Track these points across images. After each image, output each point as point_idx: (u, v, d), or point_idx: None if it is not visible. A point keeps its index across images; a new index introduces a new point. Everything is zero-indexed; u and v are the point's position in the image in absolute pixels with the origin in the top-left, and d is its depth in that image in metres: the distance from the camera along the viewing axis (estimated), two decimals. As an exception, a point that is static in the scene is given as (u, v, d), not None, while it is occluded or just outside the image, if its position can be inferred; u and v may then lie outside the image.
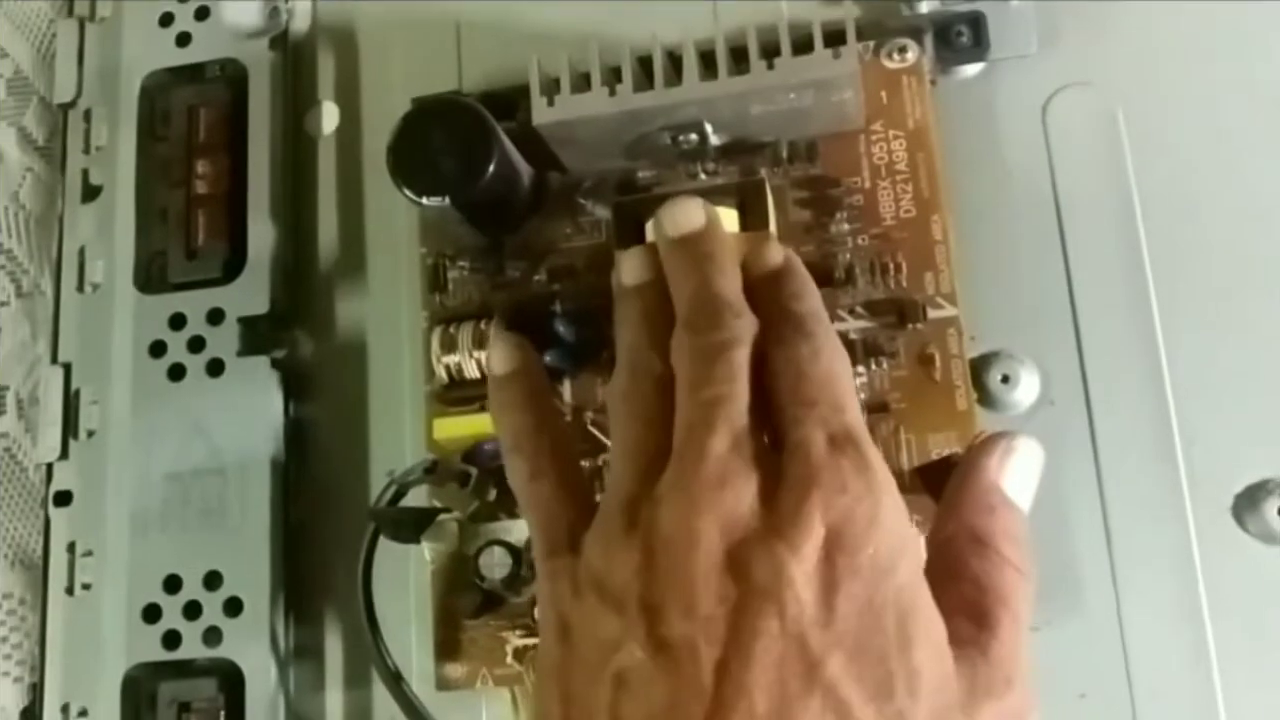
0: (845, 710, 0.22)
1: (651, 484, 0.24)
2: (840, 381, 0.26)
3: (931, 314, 0.32)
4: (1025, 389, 0.33)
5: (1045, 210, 0.33)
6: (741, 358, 0.25)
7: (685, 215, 0.28)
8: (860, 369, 0.32)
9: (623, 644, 0.23)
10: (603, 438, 0.33)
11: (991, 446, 0.28)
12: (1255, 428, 0.32)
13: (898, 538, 0.24)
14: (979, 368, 0.33)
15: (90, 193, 0.38)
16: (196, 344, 0.35)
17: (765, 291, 0.27)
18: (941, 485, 0.30)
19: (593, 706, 0.23)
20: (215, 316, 0.35)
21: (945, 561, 0.26)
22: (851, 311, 0.32)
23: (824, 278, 0.32)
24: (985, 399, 0.32)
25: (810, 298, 0.27)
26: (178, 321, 0.36)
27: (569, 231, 0.34)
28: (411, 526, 0.31)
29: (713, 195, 0.31)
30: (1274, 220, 0.33)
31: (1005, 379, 0.33)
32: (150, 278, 0.37)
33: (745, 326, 0.26)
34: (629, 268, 0.28)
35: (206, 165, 0.37)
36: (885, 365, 0.32)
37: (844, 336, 0.32)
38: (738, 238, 0.30)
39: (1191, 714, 0.30)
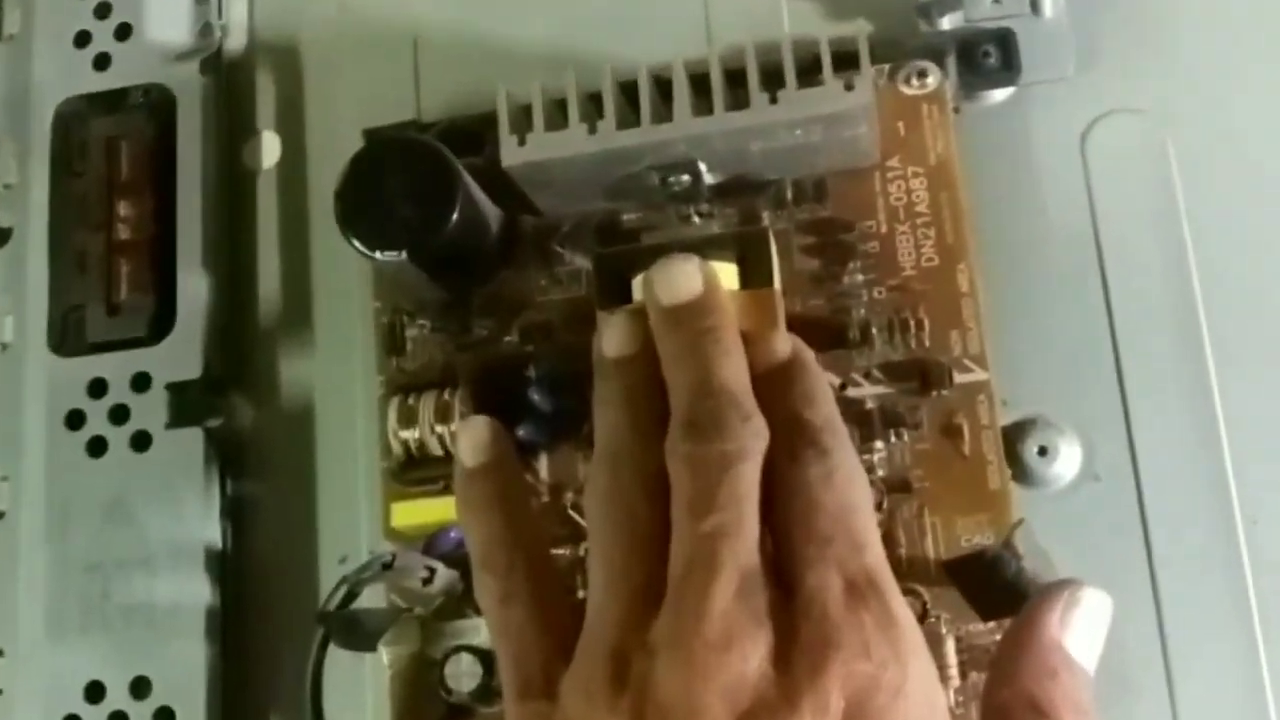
0: None
1: (643, 629, 0.21)
2: (859, 513, 0.22)
3: (958, 378, 0.28)
4: (1066, 462, 0.29)
5: (1086, 255, 0.30)
6: (751, 476, 0.22)
7: (680, 279, 0.24)
8: (879, 443, 0.28)
9: None
10: (583, 522, 0.29)
11: (1053, 599, 0.24)
12: (1321, 503, 0.28)
13: (927, 708, 0.21)
14: (1013, 438, 0.29)
15: (-2, 236, 0.34)
16: (119, 414, 0.32)
17: (770, 391, 0.23)
18: (973, 580, 0.27)
19: None
20: (140, 382, 0.32)
21: None
22: (867, 375, 0.29)
23: (836, 337, 0.29)
24: (1020, 474, 0.29)
25: (824, 402, 0.23)
26: (98, 388, 0.32)
27: (544, 283, 0.30)
28: (367, 632, 0.28)
29: (708, 249, 0.27)
30: (1347, 268, 0.29)
31: (1043, 451, 0.29)
32: (66, 336, 0.33)
33: (755, 435, 0.22)
34: (611, 337, 0.24)
35: (129, 206, 0.33)
36: (906, 438, 0.28)
37: (859, 405, 0.28)
38: (737, 299, 0.27)
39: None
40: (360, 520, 0.31)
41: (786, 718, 0.20)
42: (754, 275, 0.27)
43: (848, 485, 0.22)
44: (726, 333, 0.23)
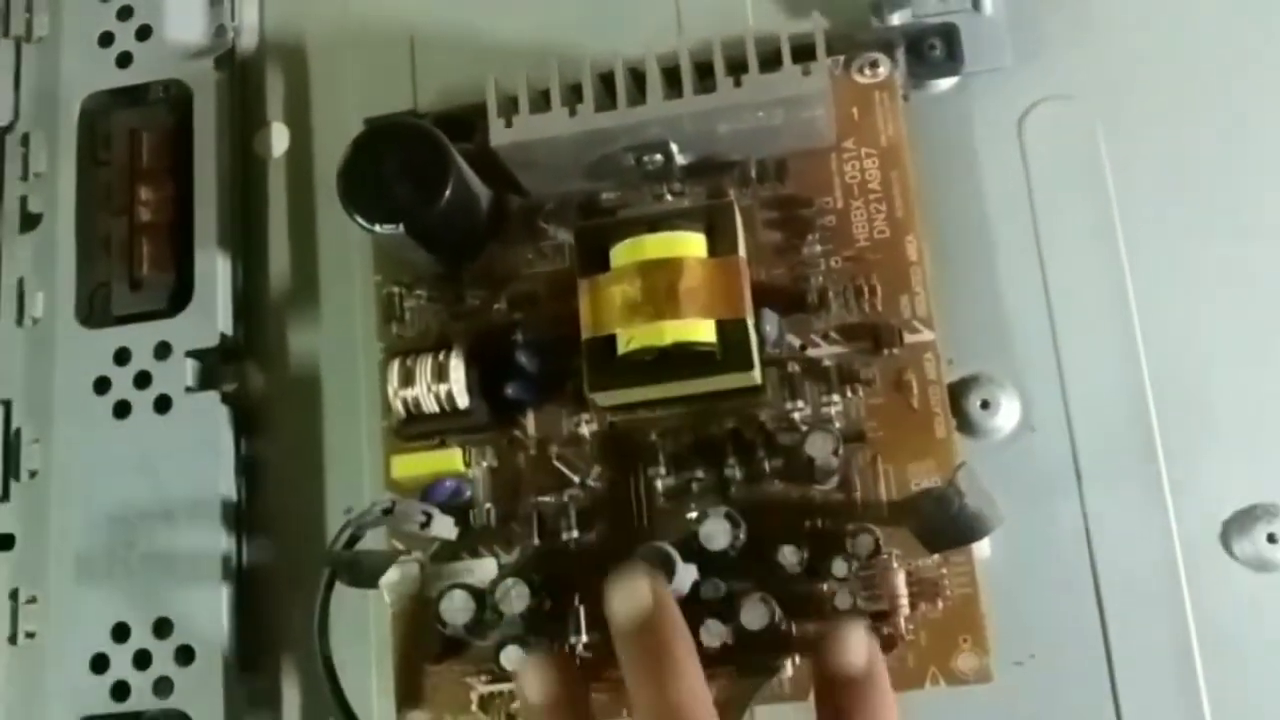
0: None
1: None
2: None
3: (908, 338, 0.31)
4: (1006, 414, 0.32)
5: (1023, 228, 0.32)
6: None
7: (631, 598, 0.26)
8: (836, 397, 0.31)
9: None
10: (568, 473, 0.31)
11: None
12: (1243, 452, 0.31)
13: None
14: (958, 393, 0.31)
15: (29, 221, 0.36)
16: (142, 379, 0.34)
17: (841, 702, 0.25)
18: (922, 517, 0.29)
19: None
20: (162, 350, 0.34)
21: None
22: (825, 337, 0.31)
23: (796, 302, 0.31)
24: (965, 425, 0.31)
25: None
26: (122, 356, 0.34)
27: (530, 257, 0.33)
28: (369, 571, 0.30)
29: (680, 219, 0.30)
30: (1260, 238, 0.32)
31: (985, 405, 0.32)
32: (93, 310, 0.35)
33: None
34: (531, 684, 0.26)
35: (150, 191, 0.35)
36: (861, 393, 0.31)
37: (818, 363, 0.31)
38: (706, 266, 0.29)
39: (1181, 747, 0.29)
40: (363, 474, 0.33)
41: None
42: (721, 244, 0.30)
43: None
44: (677, 647, 0.25)
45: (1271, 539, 0.30)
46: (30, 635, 0.34)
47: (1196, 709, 0.29)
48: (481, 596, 0.30)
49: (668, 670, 0.25)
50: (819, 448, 0.29)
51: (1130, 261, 0.32)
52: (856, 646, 0.25)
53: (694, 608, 0.29)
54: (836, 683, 0.25)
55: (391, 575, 0.31)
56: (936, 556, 0.29)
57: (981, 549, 0.30)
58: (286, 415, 0.35)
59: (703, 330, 0.29)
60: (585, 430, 0.32)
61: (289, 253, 0.36)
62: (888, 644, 0.29)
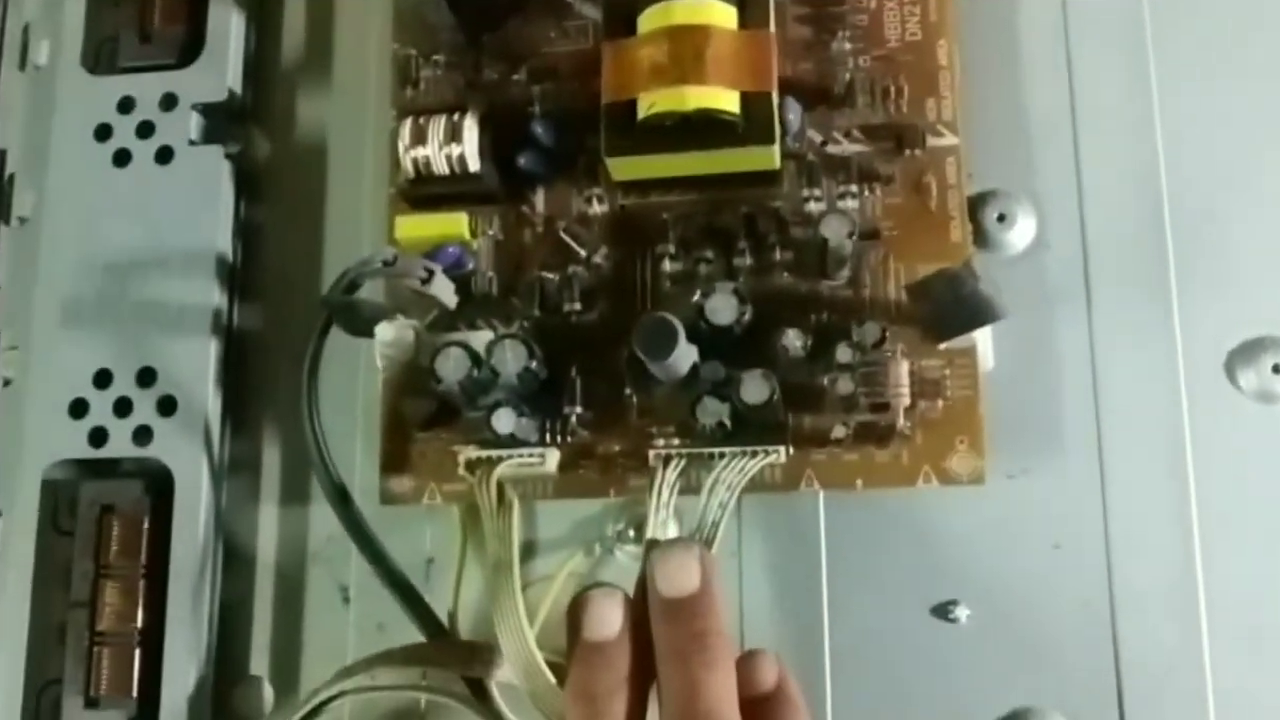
0: None
1: None
2: None
3: (931, 141, 0.30)
4: (1021, 230, 0.31)
5: (1055, 45, 0.32)
6: None
7: (679, 574, 0.25)
8: (853, 188, 0.30)
9: None
10: (575, 247, 0.31)
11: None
12: (1254, 284, 0.30)
13: None
14: (975, 205, 0.31)
15: (36, -33, 0.36)
16: (146, 129, 0.33)
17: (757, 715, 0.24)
18: (933, 298, 0.28)
19: None
20: (168, 102, 0.33)
21: None
22: (847, 134, 0.31)
23: (820, 96, 0.31)
24: (980, 237, 0.31)
25: None
26: (126, 105, 0.33)
27: (553, 35, 0.32)
28: (366, 317, 0.29)
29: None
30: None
31: (1001, 218, 0.31)
32: (99, 60, 0.34)
33: None
34: (593, 619, 0.25)
35: None
36: (879, 191, 0.30)
37: (838, 158, 0.31)
38: (736, 39, 0.29)
39: (1167, 570, 0.29)
40: (362, 245, 0.32)
41: None
42: (752, 16, 0.29)
43: None
44: (716, 639, 0.24)
45: (1277, 370, 0.30)
46: (7, 383, 0.33)
47: (1188, 537, 0.29)
48: (478, 358, 0.29)
49: (701, 660, 0.24)
50: (834, 230, 0.28)
51: (1160, 85, 0.31)
52: (768, 668, 0.25)
53: (691, 389, 0.29)
54: (754, 702, 0.25)
55: (386, 333, 0.30)
56: (940, 356, 0.29)
57: (985, 359, 0.30)
58: (289, 181, 0.34)
59: (726, 100, 0.28)
60: (595, 209, 0.31)
61: (305, 14, 0.35)
62: (884, 438, 0.29)
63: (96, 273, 0.32)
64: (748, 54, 0.29)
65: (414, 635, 0.30)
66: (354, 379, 0.32)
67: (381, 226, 0.32)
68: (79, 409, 0.32)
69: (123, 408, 0.32)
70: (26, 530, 0.31)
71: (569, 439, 0.30)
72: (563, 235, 0.31)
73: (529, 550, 0.31)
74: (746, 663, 0.25)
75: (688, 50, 0.29)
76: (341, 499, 0.30)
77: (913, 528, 0.30)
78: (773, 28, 0.29)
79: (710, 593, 0.25)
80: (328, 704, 0.29)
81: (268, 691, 0.31)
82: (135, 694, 0.30)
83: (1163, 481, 0.30)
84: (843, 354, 0.29)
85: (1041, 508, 0.30)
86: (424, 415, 0.30)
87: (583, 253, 0.31)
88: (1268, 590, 0.29)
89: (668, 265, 0.31)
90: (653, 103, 0.29)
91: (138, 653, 0.30)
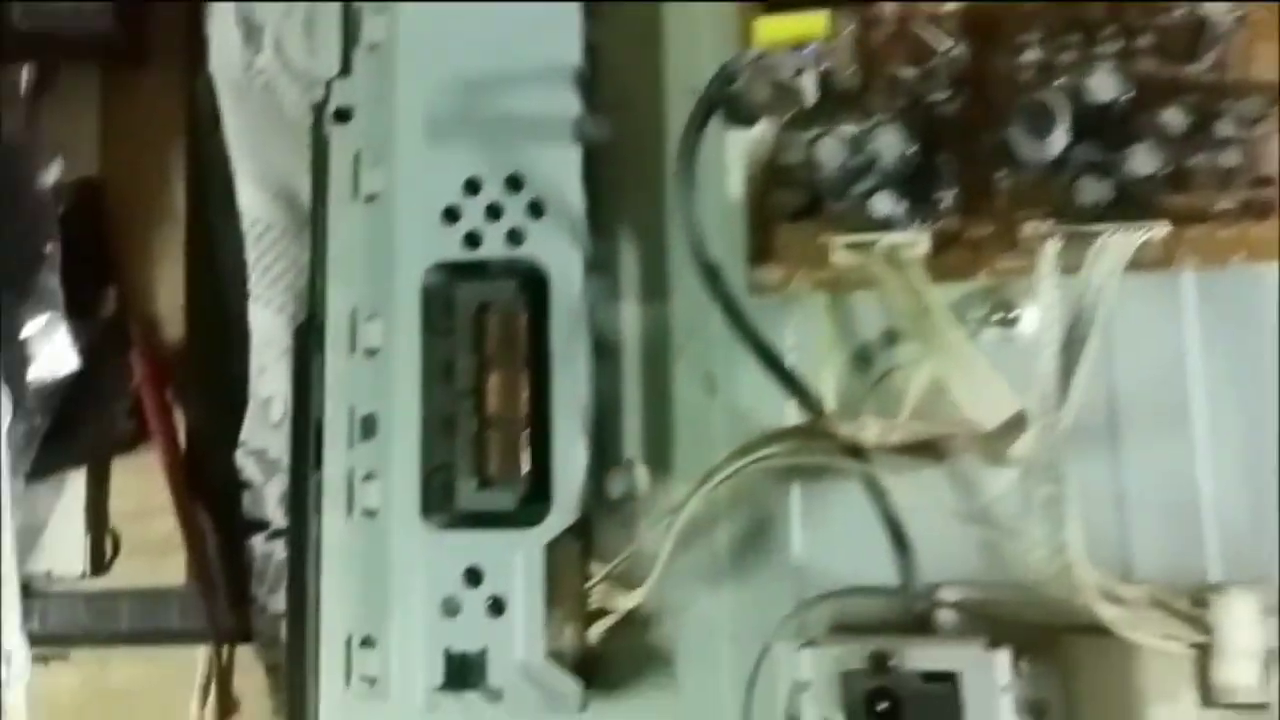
0: None
1: None
2: None
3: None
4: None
5: None
6: None
7: None
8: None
9: None
10: (932, 43, 0.31)
11: None
12: None
13: None
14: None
15: None
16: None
17: None
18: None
19: None
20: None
21: None
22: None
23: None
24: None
25: None
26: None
27: None
28: (744, 108, 0.30)
29: None
30: None
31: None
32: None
33: None
34: None
35: None
36: (1244, -26, 0.30)
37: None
38: None
39: None
40: (702, 56, 0.33)
41: None
42: None
43: None
44: None
45: None
46: (371, 199, 0.34)
47: None
48: (857, 142, 0.30)
49: None
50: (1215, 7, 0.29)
51: None
52: None
53: (1063, 170, 0.29)
54: None
55: (750, 131, 0.31)
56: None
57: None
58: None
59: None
60: (950, 6, 0.32)
61: None
62: (1264, 212, 0.29)
63: (454, 90, 0.34)
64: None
65: (777, 421, 0.32)
66: (719, 183, 0.33)
67: (721, 38, 0.33)
68: (451, 214, 0.33)
69: (493, 212, 0.33)
70: (410, 329, 0.33)
71: (939, 222, 0.31)
72: (919, 32, 0.32)
73: (893, 336, 0.32)
74: None
75: None
76: (714, 279, 0.31)
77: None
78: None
79: None
80: (725, 480, 0.31)
81: (641, 473, 0.33)
82: (524, 475, 0.32)
83: None
84: (1224, 128, 0.29)
85: None
86: (793, 207, 0.31)
87: (941, 46, 0.31)
88: None
89: (1028, 56, 0.31)
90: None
91: (525, 435, 0.32)
